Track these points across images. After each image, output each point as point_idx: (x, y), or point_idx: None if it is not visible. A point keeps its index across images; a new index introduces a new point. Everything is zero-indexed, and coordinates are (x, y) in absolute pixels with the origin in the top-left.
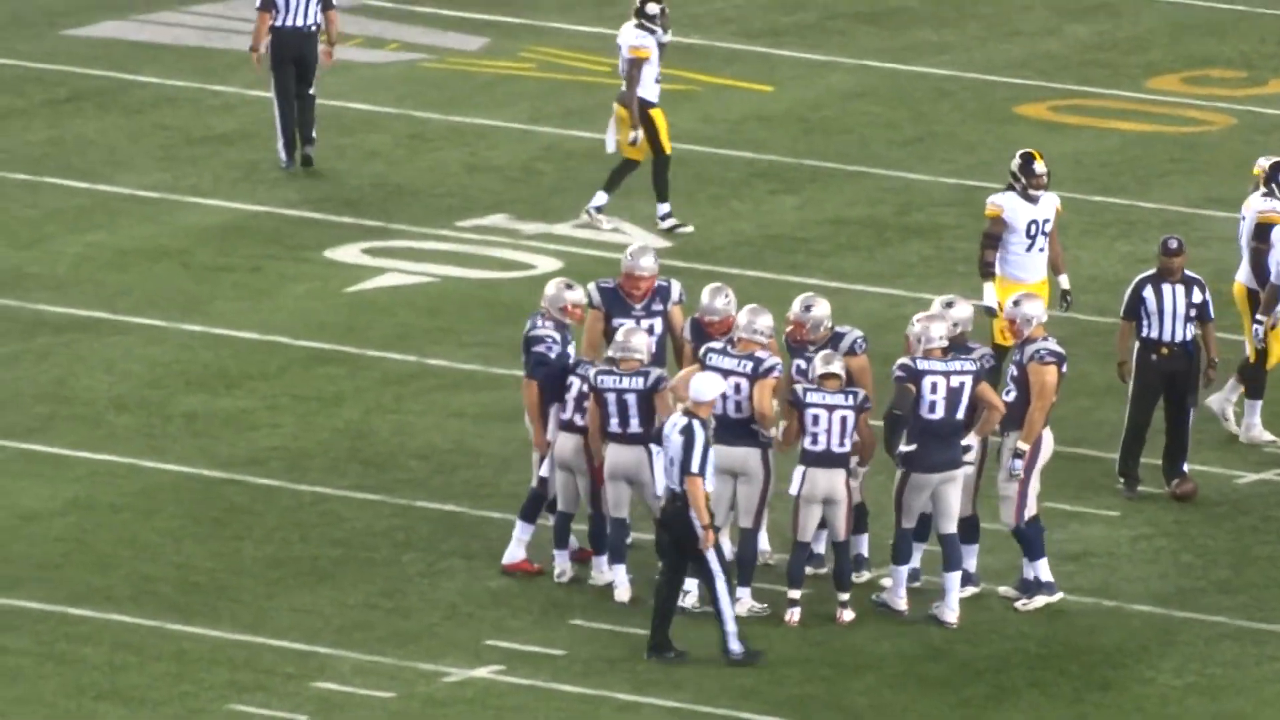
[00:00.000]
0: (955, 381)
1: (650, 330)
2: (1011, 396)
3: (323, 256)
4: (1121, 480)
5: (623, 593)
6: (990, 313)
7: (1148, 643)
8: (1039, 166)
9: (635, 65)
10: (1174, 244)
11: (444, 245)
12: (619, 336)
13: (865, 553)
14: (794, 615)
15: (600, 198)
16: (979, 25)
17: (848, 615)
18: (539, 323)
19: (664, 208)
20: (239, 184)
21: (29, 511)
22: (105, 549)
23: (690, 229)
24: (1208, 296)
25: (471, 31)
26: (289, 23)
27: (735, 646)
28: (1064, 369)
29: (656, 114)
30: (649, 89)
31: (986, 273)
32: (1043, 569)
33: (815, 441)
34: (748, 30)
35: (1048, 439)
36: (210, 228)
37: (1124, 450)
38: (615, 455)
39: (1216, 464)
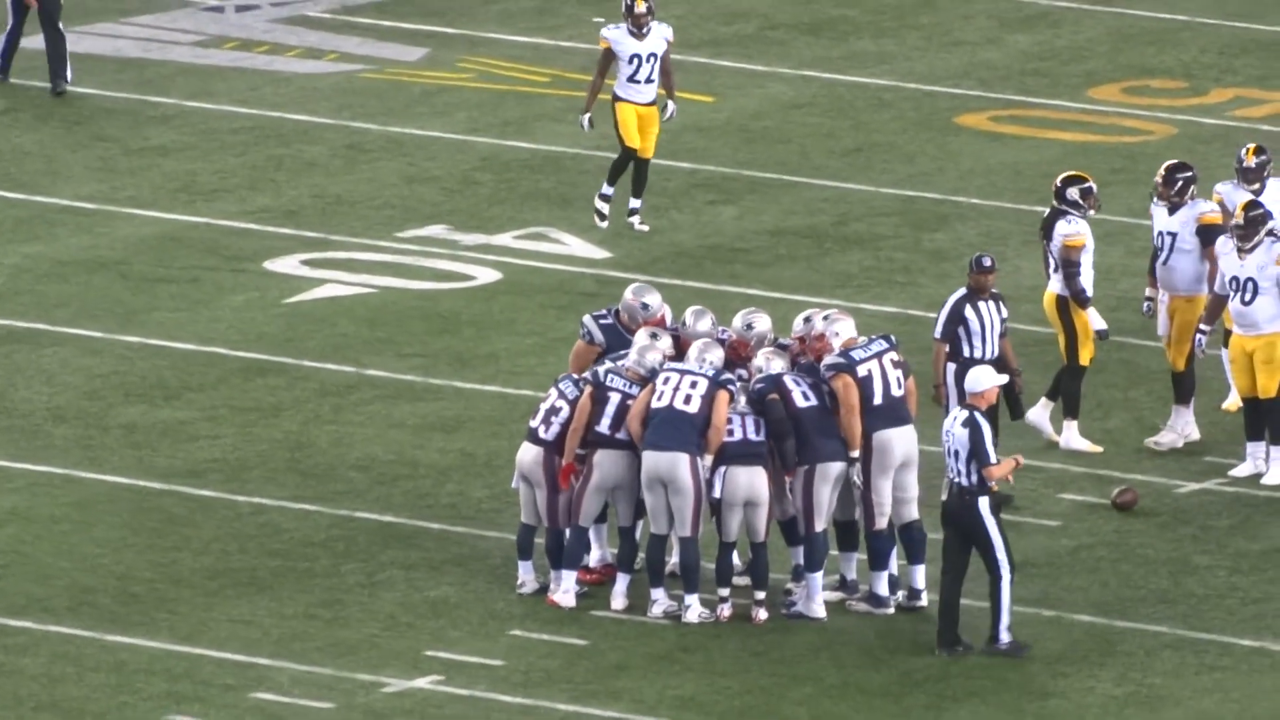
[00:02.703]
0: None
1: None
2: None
3: (261, 267)
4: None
5: (567, 599)
6: (1103, 336)
7: (1088, 652)
8: (1094, 186)
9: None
10: (988, 261)
11: (382, 256)
12: (635, 353)
13: (853, 574)
14: (724, 611)
15: (632, 201)
16: (919, 35)
17: (762, 615)
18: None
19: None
20: (177, 195)
21: None
22: (44, 560)
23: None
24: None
25: (410, 42)
26: None
27: (1005, 637)
28: (857, 373)
29: (622, 109)
30: (622, 85)
31: (1086, 300)
32: (880, 582)
33: (732, 435)
34: (687, 41)
35: (892, 443)
36: (148, 239)
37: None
38: (607, 462)
39: (1156, 474)
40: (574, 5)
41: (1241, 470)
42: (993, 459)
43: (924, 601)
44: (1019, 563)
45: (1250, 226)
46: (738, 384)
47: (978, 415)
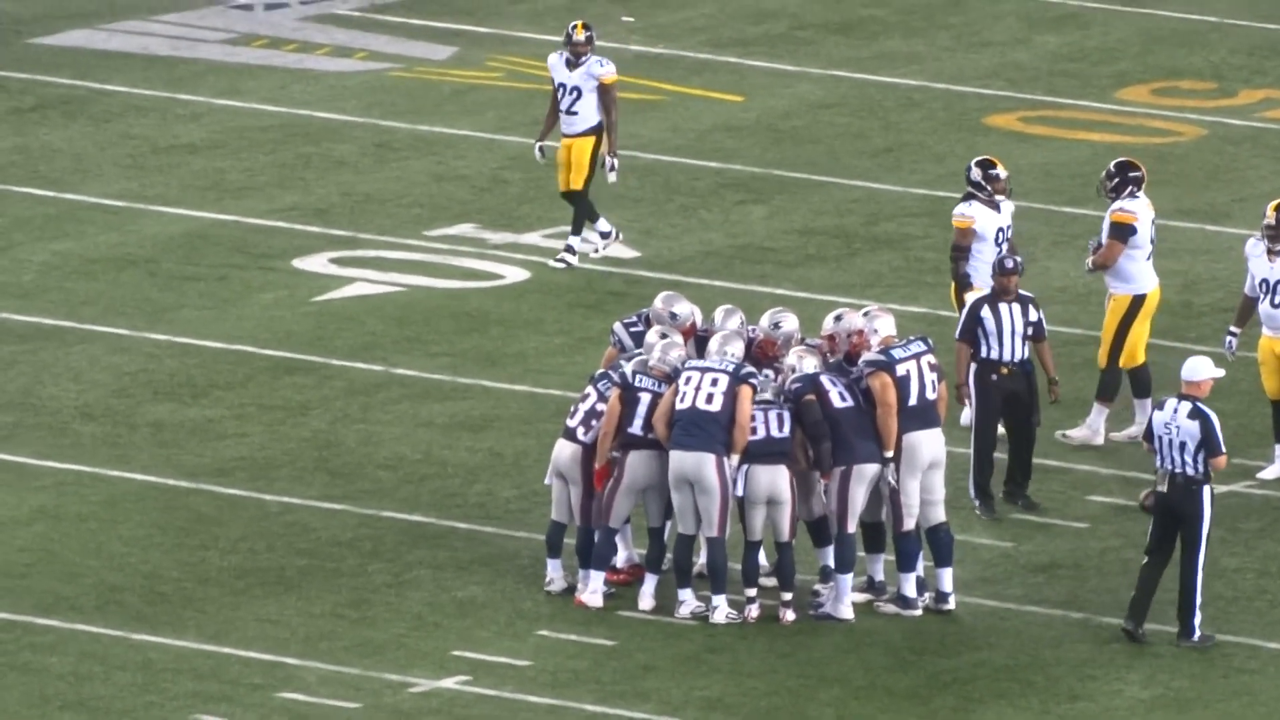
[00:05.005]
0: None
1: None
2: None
3: (290, 266)
4: (978, 502)
5: (595, 599)
6: None
7: (1115, 655)
8: (1001, 171)
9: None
10: (1010, 264)
11: (411, 255)
12: (658, 350)
13: (880, 575)
14: (751, 611)
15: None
16: (948, 35)
17: (789, 616)
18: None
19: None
20: (206, 193)
21: None
22: (71, 558)
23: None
24: (1041, 315)
25: (439, 41)
26: None
27: (1199, 632)
28: (895, 372)
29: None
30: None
31: (966, 286)
32: (908, 584)
33: (755, 434)
34: (716, 40)
35: (920, 446)
36: (176, 236)
37: (976, 472)
38: (638, 463)
39: None
40: (603, 3)
41: (1269, 473)
42: (1224, 449)
43: (951, 604)
44: (1046, 564)
45: None
46: (760, 378)
47: (1203, 405)
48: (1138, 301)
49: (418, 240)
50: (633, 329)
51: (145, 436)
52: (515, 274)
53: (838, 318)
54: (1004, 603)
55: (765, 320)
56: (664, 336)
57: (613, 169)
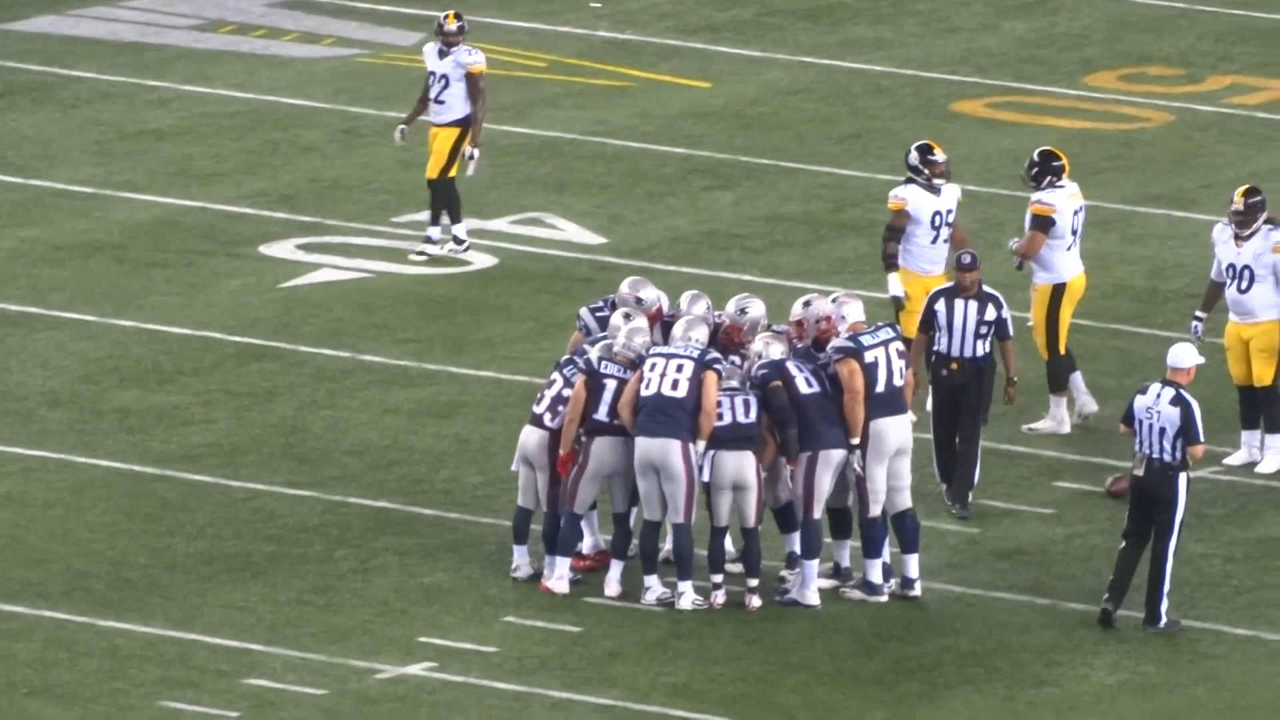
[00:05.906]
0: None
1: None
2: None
3: (257, 252)
4: (945, 488)
5: (561, 585)
6: (898, 303)
7: (1081, 641)
8: (938, 155)
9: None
10: (966, 259)
11: (378, 241)
12: (623, 336)
13: (846, 561)
14: (717, 597)
15: (458, 228)
16: (916, 22)
17: (755, 602)
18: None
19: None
20: (173, 179)
21: None
22: (37, 544)
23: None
24: (1004, 314)
25: (406, 27)
26: None
27: (1164, 619)
28: (864, 359)
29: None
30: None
31: (891, 265)
32: (874, 570)
33: (721, 419)
34: (684, 26)
35: (887, 432)
36: (144, 223)
37: (938, 462)
38: (604, 450)
39: None
40: None
41: (1235, 458)
42: (1202, 438)
43: (917, 590)
44: (1012, 550)
45: (1249, 213)
46: (725, 365)
47: (1185, 393)
48: (1059, 290)
49: (384, 226)
50: (599, 314)
51: (112, 423)
52: (482, 260)
53: (806, 303)
54: (970, 588)
55: (732, 306)
56: (628, 317)
57: (472, 157)
